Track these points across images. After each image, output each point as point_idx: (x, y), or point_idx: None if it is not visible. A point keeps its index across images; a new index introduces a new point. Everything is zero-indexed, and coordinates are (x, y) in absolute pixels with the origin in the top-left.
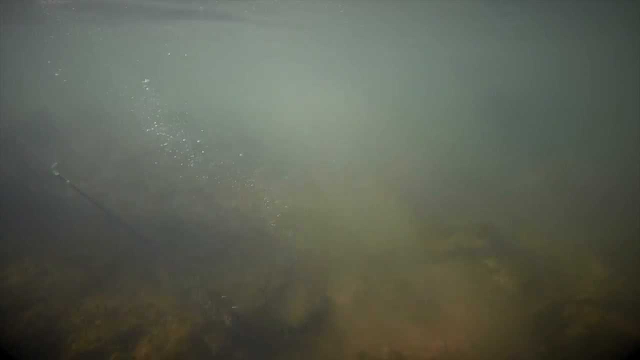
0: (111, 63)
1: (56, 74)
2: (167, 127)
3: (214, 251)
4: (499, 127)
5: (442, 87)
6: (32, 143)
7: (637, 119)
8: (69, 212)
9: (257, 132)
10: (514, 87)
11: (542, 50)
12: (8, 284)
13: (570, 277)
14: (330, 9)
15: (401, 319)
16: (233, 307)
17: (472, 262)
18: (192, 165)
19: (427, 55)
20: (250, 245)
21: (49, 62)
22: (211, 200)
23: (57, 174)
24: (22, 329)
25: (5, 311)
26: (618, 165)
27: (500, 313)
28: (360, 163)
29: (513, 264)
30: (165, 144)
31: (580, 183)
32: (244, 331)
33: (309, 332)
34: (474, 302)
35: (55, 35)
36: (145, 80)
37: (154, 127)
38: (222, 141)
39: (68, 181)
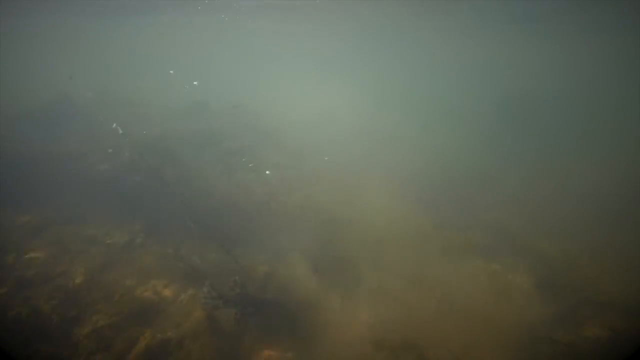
0: (134, 53)
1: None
2: (185, 116)
3: (230, 237)
4: (511, 126)
5: (452, 87)
6: (57, 126)
7: None
8: (90, 192)
9: (270, 126)
10: (525, 87)
11: (552, 50)
12: (31, 257)
13: (589, 279)
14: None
15: (416, 313)
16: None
17: (487, 260)
18: (208, 154)
19: (436, 54)
20: (264, 232)
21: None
22: (227, 188)
23: (120, 131)
24: (44, 301)
25: (28, 283)
26: (636, 165)
27: (517, 312)
28: (372, 159)
29: (529, 264)
30: (183, 131)
31: (597, 183)
32: (259, 312)
33: (326, 322)
34: (489, 300)
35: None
36: (171, 72)
37: (172, 115)
38: (236, 132)
39: (128, 139)
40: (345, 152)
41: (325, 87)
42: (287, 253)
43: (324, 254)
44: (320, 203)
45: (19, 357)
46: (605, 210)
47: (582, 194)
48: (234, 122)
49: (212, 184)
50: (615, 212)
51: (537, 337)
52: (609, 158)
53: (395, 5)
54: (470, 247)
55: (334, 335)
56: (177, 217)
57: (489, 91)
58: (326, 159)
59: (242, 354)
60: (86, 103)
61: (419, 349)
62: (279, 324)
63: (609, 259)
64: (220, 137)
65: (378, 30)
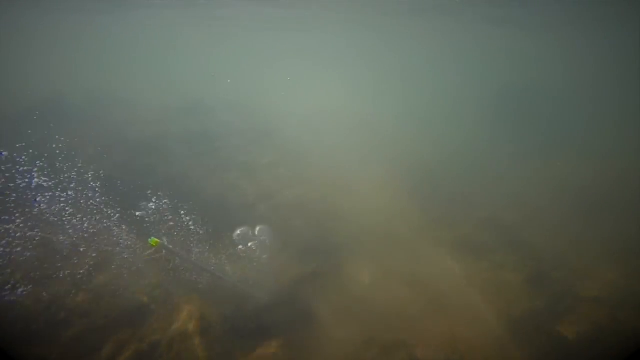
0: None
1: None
2: (181, 115)
3: (222, 235)
4: (509, 123)
5: (451, 83)
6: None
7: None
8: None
9: (267, 125)
10: (520, 83)
11: (551, 45)
12: (20, 260)
13: (577, 275)
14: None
15: (408, 308)
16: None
17: (478, 256)
18: (201, 153)
19: (435, 50)
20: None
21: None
22: (220, 187)
23: None
24: (30, 305)
25: (13, 286)
26: (624, 161)
27: (506, 307)
28: (368, 156)
29: (519, 260)
30: (178, 130)
31: (587, 180)
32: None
33: (319, 316)
34: (479, 296)
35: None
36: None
37: (168, 114)
38: (231, 131)
39: None
40: (342, 149)
41: (322, 84)
42: (280, 251)
43: (317, 250)
44: (315, 200)
45: (19, 357)
46: (600, 206)
47: (578, 190)
48: (229, 121)
49: (204, 183)
50: (608, 207)
51: (525, 331)
52: (607, 155)
53: (393, 3)
54: (463, 244)
55: (326, 334)
56: (169, 216)
57: (488, 88)
58: (322, 157)
59: (233, 353)
60: (79, 103)
61: (409, 347)
62: (272, 327)
63: (596, 254)
64: (215, 136)
65: (375, 27)
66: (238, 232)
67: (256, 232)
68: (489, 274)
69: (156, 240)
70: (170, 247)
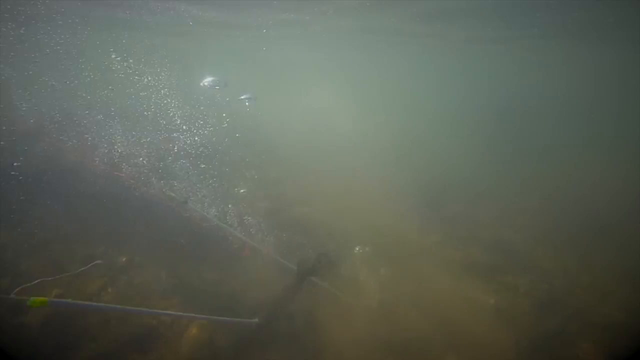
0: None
1: None
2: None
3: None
4: (511, 138)
5: (452, 98)
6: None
7: None
8: (89, 209)
9: (267, 138)
10: (524, 98)
11: (549, 61)
12: (27, 279)
13: (590, 300)
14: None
15: (416, 333)
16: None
17: (487, 279)
18: (202, 169)
19: (437, 65)
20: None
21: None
22: (224, 207)
23: None
24: (38, 327)
25: (23, 309)
26: (628, 170)
27: (517, 333)
28: (369, 172)
29: (530, 283)
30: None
31: (600, 197)
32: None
33: (323, 345)
34: (487, 322)
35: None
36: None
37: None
38: (234, 145)
39: None
40: (343, 164)
41: (322, 97)
42: (286, 272)
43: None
44: (317, 218)
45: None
46: (608, 222)
47: (583, 206)
48: (225, 135)
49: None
50: (617, 224)
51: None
52: (610, 168)
53: (394, 20)
54: (470, 265)
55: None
56: (174, 235)
57: (487, 102)
58: (326, 171)
59: None
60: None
61: None
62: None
63: (609, 275)
64: (212, 151)
65: (377, 41)
66: None
67: None
68: (499, 297)
69: (40, 299)
70: (69, 300)
